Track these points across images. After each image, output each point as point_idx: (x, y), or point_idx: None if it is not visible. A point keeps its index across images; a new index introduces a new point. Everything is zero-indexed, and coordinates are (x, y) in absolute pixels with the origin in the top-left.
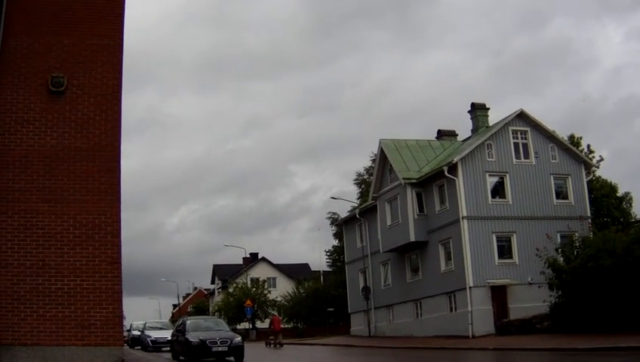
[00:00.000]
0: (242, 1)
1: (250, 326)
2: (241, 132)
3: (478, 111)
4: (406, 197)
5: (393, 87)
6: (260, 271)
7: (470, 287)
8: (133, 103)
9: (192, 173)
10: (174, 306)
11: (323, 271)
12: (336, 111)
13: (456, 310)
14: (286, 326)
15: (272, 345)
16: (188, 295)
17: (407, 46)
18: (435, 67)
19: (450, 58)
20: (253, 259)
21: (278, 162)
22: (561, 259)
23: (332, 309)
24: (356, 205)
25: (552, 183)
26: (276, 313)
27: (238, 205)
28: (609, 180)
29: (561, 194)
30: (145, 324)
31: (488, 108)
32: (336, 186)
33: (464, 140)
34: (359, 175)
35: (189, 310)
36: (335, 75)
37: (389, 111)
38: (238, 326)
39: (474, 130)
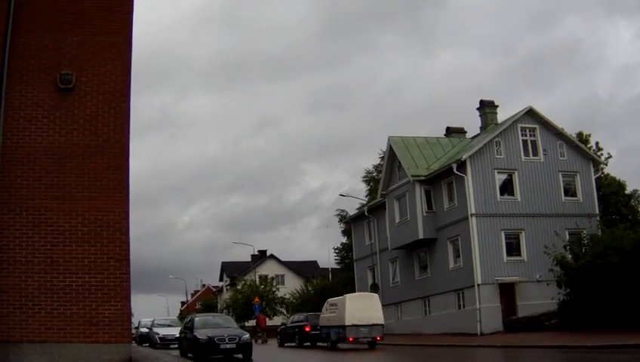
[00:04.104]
0: (255, 4)
1: None
2: (254, 131)
3: (487, 108)
4: (414, 194)
5: (404, 86)
6: (269, 269)
7: (479, 285)
8: (148, 103)
9: (204, 172)
10: (182, 303)
11: (331, 269)
12: (348, 110)
13: (464, 307)
14: None
15: (259, 341)
16: (196, 292)
17: (418, 47)
18: (446, 67)
19: (460, 58)
20: (261, 257)
21: (290, 161)
22: (570, 256)
23: None
24: (365, 202)
25: (561, 180)
26: (266, 311)
27: (249, 203)
28: (617, 177)
29: (569, 191)
30: (153, 321)
31: (497, 106)
32: (346, 184)
33: (473, 137)
34: (368, 172)
35: (197, 307)
36: (347, 76)
37: (399, 110)
38: (247, 324)
39: (483, 128)
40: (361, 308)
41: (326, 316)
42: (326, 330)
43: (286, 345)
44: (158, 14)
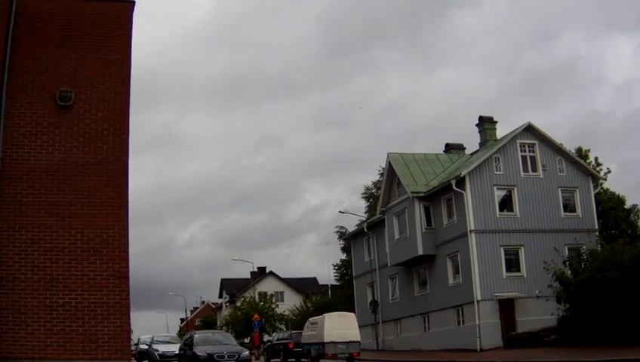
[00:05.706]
0: (257, 23)
1: None
2: (254, 149)
3: (486, 124)
4: (414, 210)
5: (405, 104)
6: (268, 286)
7: (478, 301)
8: (149, 121)
9: (205, 189)
10: (182, 320)
11: (331, 285)
12: (349, 128)
13: (464, 323)
14: None
15: (254, 357)
16: (196, 309)
17: (419, 65)
18: (446, 85)
19: (461, 76)
20: (261, 273)
21: (291, 178)
22: (569, 271)
23: None
24: (364, 219)
25: (560, 196)
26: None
27: (249, 220)
28: (617, 193)
29: (568, 207)
30: (152, 338)
31: (496, 122)
32: (346, 201)
33: (472, 154)
34: (367, 189)
35: (196, 324)
36: (348, 94)
37: (400, 128)
38: (246, 341)
39: (482, 144)
40: (338, 326)
41: (307, 334)
42: (307, 347)
43: (272, 360)
44: (161, 33)
